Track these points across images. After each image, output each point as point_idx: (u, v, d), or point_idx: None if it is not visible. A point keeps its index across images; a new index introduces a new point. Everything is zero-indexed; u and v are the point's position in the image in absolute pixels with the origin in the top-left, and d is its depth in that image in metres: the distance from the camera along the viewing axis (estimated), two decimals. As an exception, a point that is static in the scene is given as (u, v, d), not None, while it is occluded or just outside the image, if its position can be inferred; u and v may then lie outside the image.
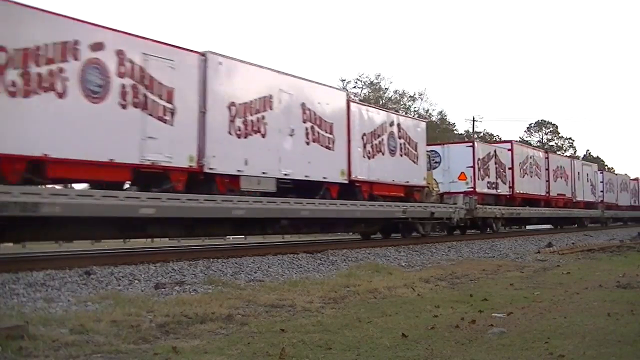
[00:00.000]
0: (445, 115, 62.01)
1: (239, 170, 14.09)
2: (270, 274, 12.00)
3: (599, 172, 43.38)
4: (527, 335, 6.57)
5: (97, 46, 11.22)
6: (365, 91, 55.58)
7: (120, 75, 11.62)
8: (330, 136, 16.93)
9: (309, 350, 5.84)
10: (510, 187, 28.58)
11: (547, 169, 32.96)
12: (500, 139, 60.56)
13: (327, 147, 16.83)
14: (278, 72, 15.53)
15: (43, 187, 11.09)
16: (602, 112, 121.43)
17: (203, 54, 13.46)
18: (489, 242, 22.56)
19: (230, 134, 13.84)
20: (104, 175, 11.81)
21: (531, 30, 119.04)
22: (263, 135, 14.63)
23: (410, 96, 57.93)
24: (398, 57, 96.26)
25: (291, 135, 15.46)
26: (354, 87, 55.33)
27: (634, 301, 8.84)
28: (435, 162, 24.86)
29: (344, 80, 55.32)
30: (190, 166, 12.99)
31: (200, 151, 13.21)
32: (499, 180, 27.53)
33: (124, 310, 7.38)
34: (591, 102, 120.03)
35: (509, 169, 28.65)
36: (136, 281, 10.03)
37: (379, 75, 56.48)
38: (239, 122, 14.06)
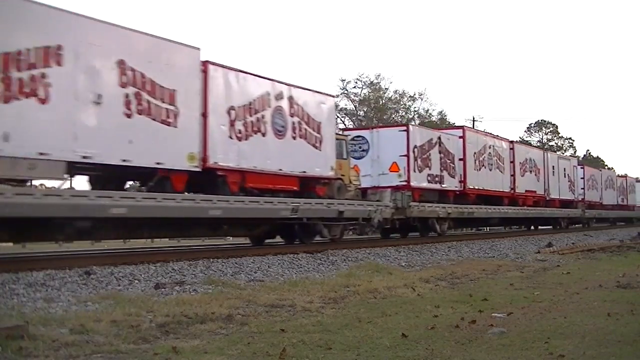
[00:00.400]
0: (445, 115, 61.75)
1: None
2: (270, 274, 12.01)
3: (579, 167, 38.70)
4: (527, 335, 6.57)
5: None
6: (365, 91, 55.46)
7: None
8: (171, 107, 12.83)
9: (309, 350, 5.84)
10: (461, 182, 24.03)
11: (513, 162, 28.23)
12: (499, 138, 60.09)
13: (164, 122, 12.72)
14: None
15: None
16: (602, 112, 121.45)
17: None
18: (489, 242, 22.73)
19: None
20: None
21: (531, 30, 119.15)
22: (42, 101, 10.68)
23: (410, 96, 57.72)
24: (398, 57, 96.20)
25: (97, 103, 11.54)
26: (354, 87, 55.15)
27: (634, 301, 8.84)
28: (363, 150, 21.17)
29: (344, 80, 55.02)
30: None
31: None
32: (444, 173, 23.03)
33: (124, 310, 7.40)
34: (591, 102, 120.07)
35: (460, 159, 23.98)
36: (136, 281, 10.05)
37: (379, 75, 56.15)
38: None
